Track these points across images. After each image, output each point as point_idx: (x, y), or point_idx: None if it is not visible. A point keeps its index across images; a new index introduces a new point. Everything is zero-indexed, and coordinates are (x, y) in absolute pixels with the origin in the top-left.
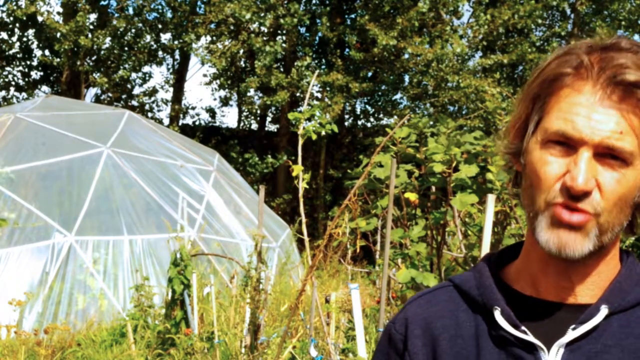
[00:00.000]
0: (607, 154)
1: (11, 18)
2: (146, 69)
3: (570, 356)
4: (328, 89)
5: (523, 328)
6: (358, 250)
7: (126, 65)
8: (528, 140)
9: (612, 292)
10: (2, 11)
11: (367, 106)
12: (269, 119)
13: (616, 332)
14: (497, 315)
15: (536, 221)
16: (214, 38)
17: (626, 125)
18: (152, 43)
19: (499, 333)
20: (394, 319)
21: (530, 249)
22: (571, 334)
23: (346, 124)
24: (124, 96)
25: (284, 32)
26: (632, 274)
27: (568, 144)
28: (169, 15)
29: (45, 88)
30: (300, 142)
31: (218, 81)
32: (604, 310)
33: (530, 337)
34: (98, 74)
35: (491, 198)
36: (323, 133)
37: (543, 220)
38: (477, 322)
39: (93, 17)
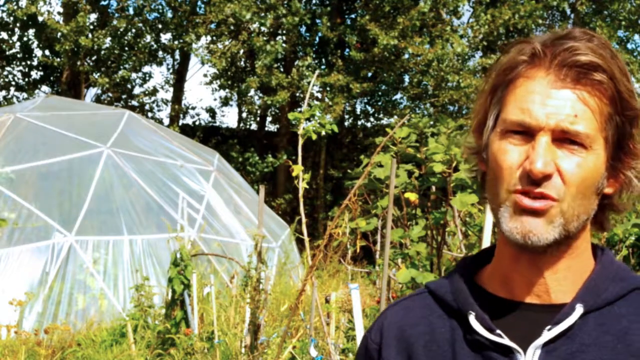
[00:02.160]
0: (565, 139)
1: (11, 18)
2: (146, 69)
3: (547, 357)
4: (328, 89)
5: (498, 331)
6: (358, 250)
7: (126, 65)
8: (489, 135)
9: (586, 290)
10: (3, 11)
11: (367, 106)
12: (269, 119)
13: (592, 330)
14: (472, 319)
15: (499, 212)
16: (214, 38)
17: (582, 108)
18: (152, 43)
19: (474, 337)
20: (370, 328)
21: (501, 247)
22: (547, 335)
23: (346, 124)
24: (124, 96)
25: (284, 32)
26: (606, 270)
27: (527, 133)
28: (169, 15)
29: (45, 88)
30: (300, 142)
31: (218, 81)
32: (579, 309)
33: (505, 340)
34: (98, 74)
35: None
36: (323, 133)
37: (506, 210)
38: (453, 327)
39: (93, 17)
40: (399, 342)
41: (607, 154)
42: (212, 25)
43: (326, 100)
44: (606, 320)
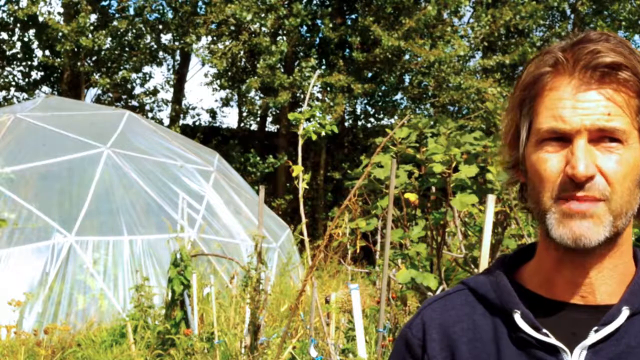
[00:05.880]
0: (601, 138)
1: (12, 18)
2: (147, 69)
3: (593, 358)
4: (328, 89)
5: (544, 330)
6: (358, 251)
7: (127, 66)
8: (524, 147)
9: (632, 292)
10: (3, 11)
11: (367, 107)
12: (269, 119)
13: (638, 332)
14: (517, 318)
15: (546, 220)
16: (215, 38)
17: (612, 106)
18: (153, 44)
19: (519, 335)
20: (409, 324)
21: (544, 250)
22: (594, 336)
23: (346, 124)
24: (124, 96)
25: (285, 32)
26: None
27: (562, 138)
28: (170, 15)
29: (45, 88)
30: (300, 142)
31: (219, 82)
32: (625, 312)
33: (552, 340)
34: (99, 75)
35: (491, 198)
36: (323, 133)
37: (552, 216)
38: (496, 325)
39: (94, 17)
40: (442, 338)
41: None
42: (213, 26)
43: (327, 100)
44: None
